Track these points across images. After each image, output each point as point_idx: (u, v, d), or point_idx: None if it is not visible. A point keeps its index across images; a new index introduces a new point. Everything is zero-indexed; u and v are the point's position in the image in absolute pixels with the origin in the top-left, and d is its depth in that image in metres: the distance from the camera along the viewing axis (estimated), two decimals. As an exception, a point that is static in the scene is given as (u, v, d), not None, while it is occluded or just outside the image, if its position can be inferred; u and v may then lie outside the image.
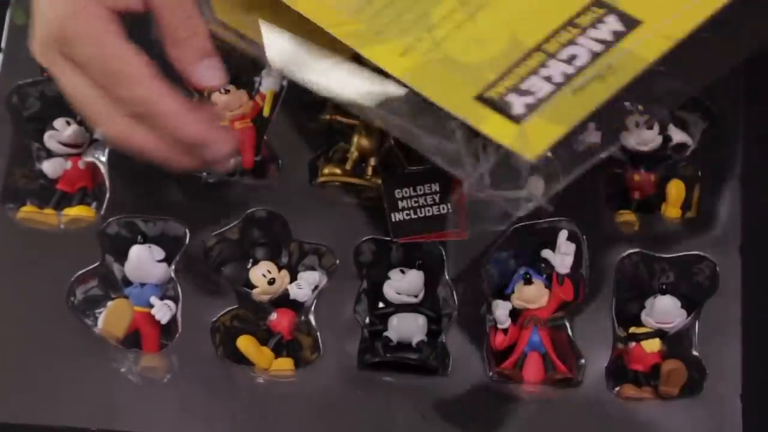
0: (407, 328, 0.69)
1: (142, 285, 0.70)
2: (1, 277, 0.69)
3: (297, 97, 0.72)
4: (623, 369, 0.69)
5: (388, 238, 0.69)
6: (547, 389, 0.68)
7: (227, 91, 0.72)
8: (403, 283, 0.69)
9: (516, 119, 0.60)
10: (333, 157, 0.72)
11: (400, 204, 0.69)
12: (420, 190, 0.70)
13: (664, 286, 0.69)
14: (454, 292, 0.69)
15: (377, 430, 0.66)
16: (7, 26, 0.74)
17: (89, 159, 0.73)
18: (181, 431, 0.65)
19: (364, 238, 0.70)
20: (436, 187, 0.70)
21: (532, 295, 0.69)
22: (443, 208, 0.69)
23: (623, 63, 0.61)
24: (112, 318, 0.68)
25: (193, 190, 0.71)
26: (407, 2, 0.65)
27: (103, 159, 0.72)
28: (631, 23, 0.62)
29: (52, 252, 0.70)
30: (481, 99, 0.61)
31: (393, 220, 0.69)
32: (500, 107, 0.60)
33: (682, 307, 0.69)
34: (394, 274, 0.69)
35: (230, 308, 0.69)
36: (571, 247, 0.69)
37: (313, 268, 0.70)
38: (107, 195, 0.71)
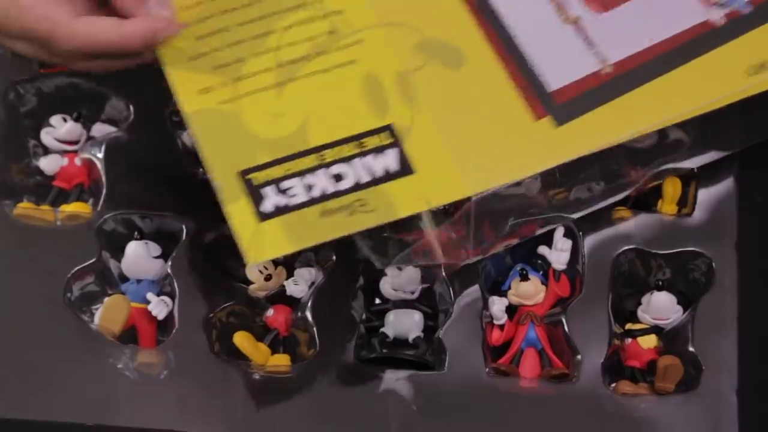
0: (404, 324, 0.69)
1: (139, 281, 0.70)
2: (-3, 274, 0.69)
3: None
4: (619, 365, 0.69)
5: (385, 234, 0.69)
6: (544, 385, 0.67)
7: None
8: (400, 280, 0.68)
9: (260, 216, 0.59)
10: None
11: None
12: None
13: (660, 283, 0.69)
14: (451, 289, 0.68)
15: (374, 426, 0.66)
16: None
17: (86, 155, 0.73)
18: (177, 427, 0.65)
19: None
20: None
21: (529, 291, 0.69)
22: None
23: (376, 207, 0.60)
24: (108, 314, 0.68)
25: (190, 186, 0.71)
26: (232, 38, 0.63)
27: (100, 155, 0.72)
28: (405, 169, 0.61)
29: (48, 248, 0.70)
30: (243, 177, 0.60)
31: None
32: (254, 195, 0.60)
33: (678, 303, 0.69)
34: (391, 270, 0.69)
35: (227, 304, 0.69)
36: (568, 244, 0.69)
37: (309, 265, 0.70)
38: (104, 191, 0.71)
